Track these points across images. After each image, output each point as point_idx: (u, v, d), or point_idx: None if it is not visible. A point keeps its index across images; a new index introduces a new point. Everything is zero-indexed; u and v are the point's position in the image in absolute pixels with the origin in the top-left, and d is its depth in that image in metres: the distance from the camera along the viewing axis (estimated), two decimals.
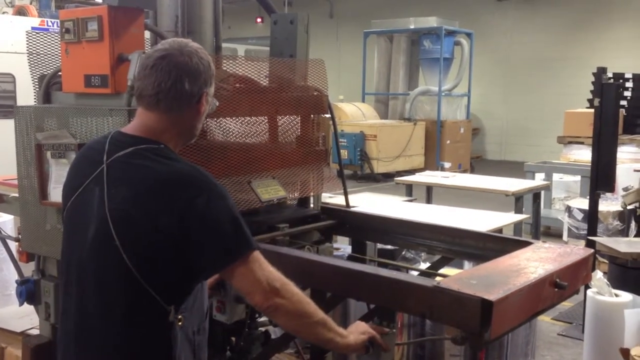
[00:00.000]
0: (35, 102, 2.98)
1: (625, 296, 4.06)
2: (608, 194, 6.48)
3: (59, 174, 2.69)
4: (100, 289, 1.84)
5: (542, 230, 8.27)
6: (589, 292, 4.17)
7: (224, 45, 3.41)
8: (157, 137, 1.89)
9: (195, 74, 1.88)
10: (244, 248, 1.82)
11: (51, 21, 9.29)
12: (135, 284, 1.78)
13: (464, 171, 14.97)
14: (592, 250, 2.48)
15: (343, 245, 4.24)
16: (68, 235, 1.98)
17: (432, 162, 15.32)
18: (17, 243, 3.34)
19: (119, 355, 1.84)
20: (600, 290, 4.07)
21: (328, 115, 3.30)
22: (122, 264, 1.78)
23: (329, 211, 3.30)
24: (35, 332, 3.46)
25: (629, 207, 6.79)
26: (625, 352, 3.49)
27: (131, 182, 1.82)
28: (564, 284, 2.13)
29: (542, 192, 7.80)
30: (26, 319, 3.99)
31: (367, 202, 5.73)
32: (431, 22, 16.05)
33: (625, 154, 8.37)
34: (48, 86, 2.93)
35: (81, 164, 1.98)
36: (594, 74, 5.75)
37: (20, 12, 10.47)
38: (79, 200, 1.91)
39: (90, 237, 1.85)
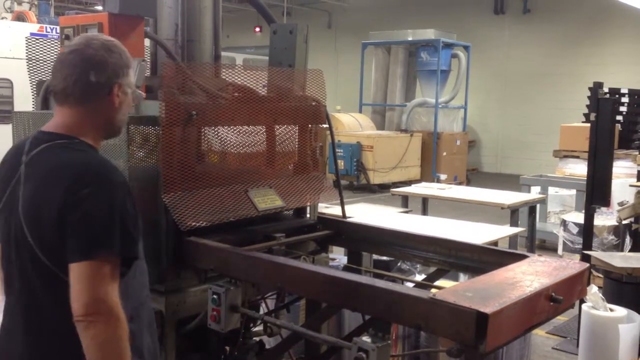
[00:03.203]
0: (33, 107, 2.98)
1: (620, 311, 4.06)
2: (603, 209, 6.49)
3: None
4: (25, 285, 1.88)
5: (537, 243, 8.28)
6: (584, 306, 4.18)
7: (222, 54, 3.42)
8: (72, 132, 1.92)
9: (100, 65, 1.90)
10: (100, 250, 1.76)
11: (50, 27, 9.31)
12: (51, 275, 1.80)
13: (460, 183, 15.01)
14: (587, 265, 2.49)
15: (339, 255, 4.24)
16: (1, 236, 2.01)
17: (428, 173, 15.34)
18: None
19: (50, 344, 1.87)
20: (595, 304, 4.07)
21: (326, 126, 3.31)
22: (36, 257, 1.81)
23: (325, 221, 3.30)
24: None
25: (624, 222, 6.81)
26: None
27: (38, 175, 1.86)
28: (559, 297, 2.13)
29: (538, 206, 7.81)
30: None
31: (363, 212, 5.74)
32: (429, 34, 16.12)
33: (620, 168, 8.38)
34: (46, 92, 2.93)
35: (5, 165, 2.00)
36: (590, 88, 5.78)
37: (19, 17, 10.48)
38: (7, 201, 1.93)
39: (12, 235, 1.88)
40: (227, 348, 3.02)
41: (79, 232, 1.76)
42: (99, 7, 18.78)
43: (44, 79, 2.98)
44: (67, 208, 1.76)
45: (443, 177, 15.01)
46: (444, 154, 15.74)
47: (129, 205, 1.84)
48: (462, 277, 4.23)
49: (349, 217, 3.60)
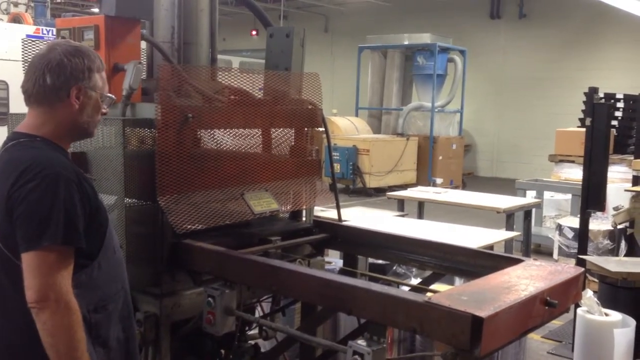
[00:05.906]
0: None
1: (615, 315, 4.07)
2: (598, 213, 6.51)
3: None
4: None
5: (533, 248, 8.28)
6: (579, 310, 4.18)
7: (219, 57, 3.42)
8: (35, 131, 1.99)
9: (57, 68, 1.96)
10: (43, 240, 1.83)
11: (46, 29, 9.28)
12: (8, 260, 1.90)
13: (456, 187, 15.01)
14: (582, 269, 2.49)
15: (334, 259, 4.24)
16: None
17: (424, 177, 15.35)
18: None
19: (11, 322, 1.94)
20: (590, 309, 4.07)
21: (322, 129, 3.31)
22: (1, 251, 1.91)
23: (321, 225, 3.30)
24: None
25: (619, 227, 6.82)
26: None
27: None
28: (555, 302, 2.14)
29: (533, 210, 7.82)
30: None
31: (359, 216, 5.73)
32: (425, 38, 16.14)
33: (615, 173, 8.40)
34: None
35: None
36: (585, 93, 5.81)
37: (16, 19, 10.45)
38: None
39: None
40: (222, 351, 3.01)
41: (24, 223, 1.85)
42: (96, 10, 18.76)
43: None
44: (13, 201, 1.85)
45: (439, 181, 15.01)
46: (440, 157, 15.76)
47: (77, 199, 1.90)
48: (458, 281, 4.23)
49: (345, 221, 3.60)
